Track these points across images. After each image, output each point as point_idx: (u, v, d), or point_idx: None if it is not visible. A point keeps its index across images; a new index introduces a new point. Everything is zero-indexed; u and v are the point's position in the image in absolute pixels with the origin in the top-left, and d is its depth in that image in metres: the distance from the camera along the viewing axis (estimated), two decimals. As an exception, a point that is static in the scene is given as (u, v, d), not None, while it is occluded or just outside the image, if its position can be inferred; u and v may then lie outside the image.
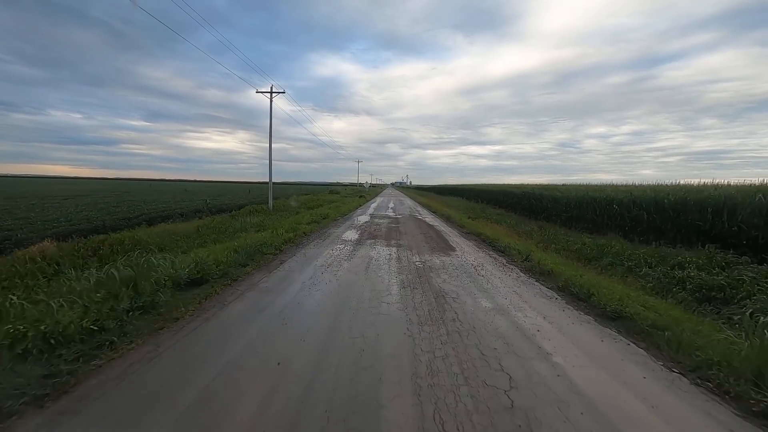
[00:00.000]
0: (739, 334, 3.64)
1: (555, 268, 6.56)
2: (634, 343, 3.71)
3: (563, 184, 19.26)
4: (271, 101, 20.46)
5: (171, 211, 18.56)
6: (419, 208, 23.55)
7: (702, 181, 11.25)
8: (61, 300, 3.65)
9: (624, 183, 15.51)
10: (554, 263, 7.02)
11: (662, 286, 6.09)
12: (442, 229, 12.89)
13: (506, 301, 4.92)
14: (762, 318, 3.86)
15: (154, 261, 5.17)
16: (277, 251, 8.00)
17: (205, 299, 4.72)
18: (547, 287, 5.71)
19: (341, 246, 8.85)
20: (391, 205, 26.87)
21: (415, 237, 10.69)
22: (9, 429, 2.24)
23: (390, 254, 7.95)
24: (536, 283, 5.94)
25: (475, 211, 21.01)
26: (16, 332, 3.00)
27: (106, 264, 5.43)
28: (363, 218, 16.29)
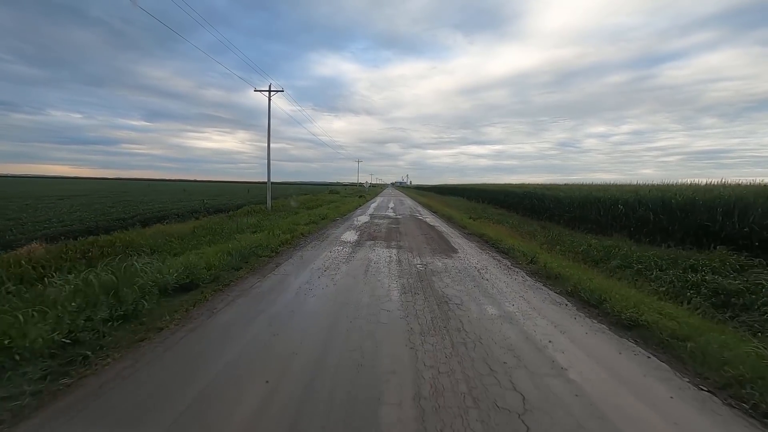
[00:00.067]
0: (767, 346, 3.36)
1: (562, 271, 6.28)
2: (655, 356, 3.42)
3: (565, 184, 19.00)
4: (269, 100, 20.16)
5: (167, 212, 18.25)
6: (419, 208, 23.26)
7: (709, 180, 11.00)
8: (31, 310, 3.35)
9: (624, 182, 15.28)
10: (561, 266, 6.73)
11: (675, 291, 5.81)
12: (444, 229, 12.60)
13: (513, 308, 4.63)
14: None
15: (138, 266, 4.86)
16: (273, 253, 7.71)
17: (193, 306, 4.43)
18: (556, 292, 5.42)
19: (340, 248, 8.56)
20: (391, 205, 26.57)
21: (415, 238, 10.40)
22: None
23: (390, 256, 7.66)
24: (544, 288, 5.65)
25: (476, 211, 20.73)
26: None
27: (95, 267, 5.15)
28: (363, 218, 15.99)
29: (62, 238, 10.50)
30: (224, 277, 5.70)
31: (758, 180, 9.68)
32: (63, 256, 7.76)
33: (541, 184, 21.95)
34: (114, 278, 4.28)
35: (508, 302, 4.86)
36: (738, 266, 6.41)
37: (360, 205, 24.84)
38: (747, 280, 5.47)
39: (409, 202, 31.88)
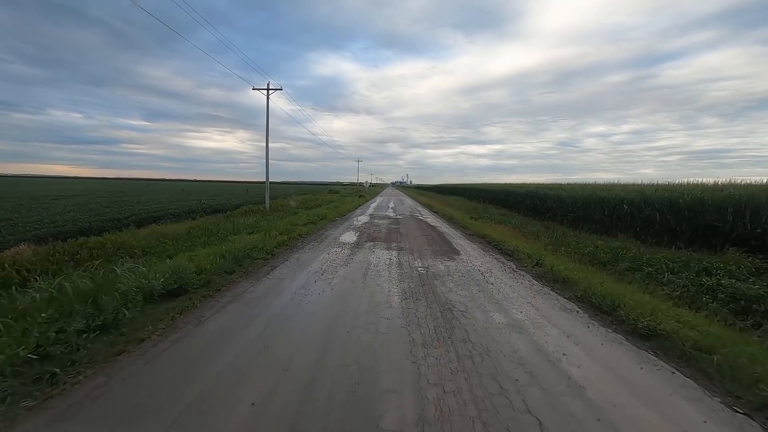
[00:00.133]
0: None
1: (570, 274, 5.99)
2: (679, 371, 3.13)
3: (567, 183, 18.72)
4: (267, 98, 19.85)
5: (163, 212, 17.96)
6: (420, 208, 22.96)
7: (708, 179, 10.77)
8: (-3, 322, 3.07)
9: (625, 182, 15.04)
10: (568, 268, 6.44)
11: (690, 296, 5.53)
12: (445, 230, 12.31)
13: (522, 315, 4.35)
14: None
15: (118, 271, 4.56)
16: (269, 256, 7.43)
17: (180, 314, 4.14)
18: (565, 297, 5.14)
19: (338, 249, 8.27)
20: (392, 204, 26.26)
21: (416, 239, 10.11)
22: None
23: (390, 259, 7.37)
24: (552, 293, 5.37)
25: (478, 211, 20.45)
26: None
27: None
28: (362, 219, 15.70)
29: (52, 239, 10.21)
30: (215, 282, 5.42)
31: (759, 179, 9.45)
32: (50, 258, 7.48)
33: (542, 184, 21.68)
34: (92, 284, 3.99)
35: (515, 309, 4.58)
36: (754, 269, 6.14)
37: (360, 205, 24.54)
38: (767, 285, 5.18)
39: (409, 201, 31.58)
